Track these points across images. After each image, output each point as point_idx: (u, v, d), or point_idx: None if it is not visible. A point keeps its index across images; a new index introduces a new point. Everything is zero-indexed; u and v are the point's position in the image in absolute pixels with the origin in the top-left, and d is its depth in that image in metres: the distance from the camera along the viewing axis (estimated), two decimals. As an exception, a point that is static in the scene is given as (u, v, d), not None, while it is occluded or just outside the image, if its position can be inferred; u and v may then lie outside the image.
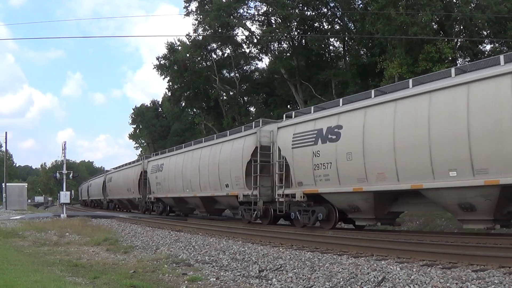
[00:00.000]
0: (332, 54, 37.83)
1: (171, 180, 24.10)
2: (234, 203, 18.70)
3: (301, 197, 14.24)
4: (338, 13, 35.12)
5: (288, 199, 15.00)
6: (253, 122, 18.19)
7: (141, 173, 29.12)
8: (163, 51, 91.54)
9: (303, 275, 6.96)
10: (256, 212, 16.37)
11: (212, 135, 22.80)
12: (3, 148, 56.66)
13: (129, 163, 35.91)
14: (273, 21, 36.96)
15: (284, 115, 16.78)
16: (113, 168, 41.27)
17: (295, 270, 7.38)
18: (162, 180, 25.34)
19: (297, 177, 14.56)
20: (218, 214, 23.49)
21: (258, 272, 7.58)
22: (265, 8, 36.48)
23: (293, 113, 16.37)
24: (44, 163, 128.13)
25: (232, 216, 22.83)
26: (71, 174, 26.85)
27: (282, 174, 15.35)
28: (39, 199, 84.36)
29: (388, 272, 6.62)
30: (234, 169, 17.72)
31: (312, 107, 15.50)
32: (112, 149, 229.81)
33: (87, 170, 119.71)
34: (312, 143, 13.84)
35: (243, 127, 19.43)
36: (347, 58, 35.54)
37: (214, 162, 19.38)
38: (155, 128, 65.68)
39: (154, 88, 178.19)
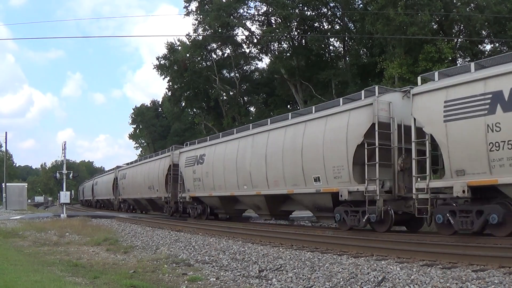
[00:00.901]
0: (332, 54, 37.84)
1: (219, 175, 19.23)
2: (323, 203, 14.15)
3: (463, 191, 9.85)
4: (338, 13, 35.15)
5: (434, 195, 10.85)
6: (362, 91, 13.26)
7: (169, 166, 24.28)
8: (163, 51, 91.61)
9: (303, 275, 6.96)
10: (371, 215, 11.88)
11: (286, 114, 17.23)
12: (3, 148, 56.74)
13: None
14: (273, 21, 36.98)
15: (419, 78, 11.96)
16: (126, 164, 37.40)
17: (295, 270, 7.38)
18: (204, 175, 20.37)
19: (454, 163, 10.24)
20: (286, 215, 19.05)
21: (258, 272, 7.58)
22: (265, 8, 36.56)
23: (436, 73, 11.32)
24: (44, 163, 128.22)
25: (312, 221, 19.39)
26: (71, 174, 26.89)
27: (422, 160, 11.03)
28: (39, 199, 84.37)
29: (388, 272, 6.62)
30: (332, 156, 13.20)
31: (473, 64, 10.61)
32: (112, 149, 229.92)
33: (87, 170, 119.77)
34: (485, 112, 9.66)
35: (341, 99, 14.29)
36: (347, 58, 35.54)
37: (293, 149, 14.82)
38: (155, 128, 65.74)
39: (154, 88, 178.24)
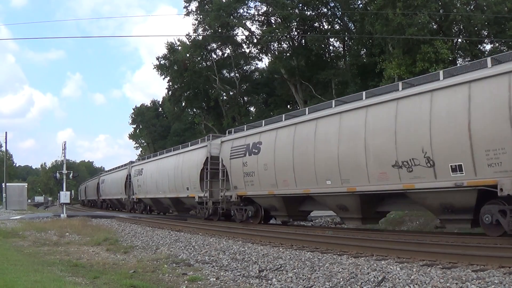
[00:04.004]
0: (332, 54, 37.83)
1: (284, 167, 18.71)
2: (462, 201, 10.63)
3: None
4: (338, 13, 35.14)
5: None
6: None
7: (206, 159, 26.62)
8: (163, 51, 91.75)
9: (303, 275, 6.96)
10: None
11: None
12: (3, 148, 56.56)
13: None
14: (273, 21, 36.98)
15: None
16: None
17: (295, 270, 7.38)
18: (260, 169, 19.13)
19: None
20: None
21: (258, 272, 7.58)
22: (265, 8, 36.55)
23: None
24: (44, 163, 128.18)
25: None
26: (71, 174, 26.86)
27: None
28: (39, 199, 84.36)
29: (388, 272, 6.62)
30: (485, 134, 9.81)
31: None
32: (112, 149, 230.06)
33: (87, 170, 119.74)
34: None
35: None
36: (347, 58, 35.54)
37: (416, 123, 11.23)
38: (155, 128, 65.65)
39: (154, 88, 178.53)
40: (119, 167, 37.89)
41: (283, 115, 16.20)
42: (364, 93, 12.92)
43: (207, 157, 19.77)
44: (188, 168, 21.95)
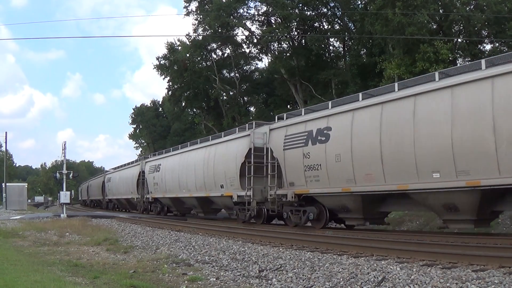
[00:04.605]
0: (332, 54, 37.84)
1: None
2: None
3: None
4: (338, 13, 35.15)
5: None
6: None
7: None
8: (162, 51, 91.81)
9: (303, 275, 6.96)
10: None
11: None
12: (3, 148, 56.66)
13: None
14: (273, 21, 36.99)
15: None
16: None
17: (295, 270, 7.38)
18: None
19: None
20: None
21: (258, 272, 7.58)
22: (265, 8, 36.57)
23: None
24: (44, 163, 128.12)
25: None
26: (71, 174, 26.87)
27: None
28: (39, 199, 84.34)
29: (388, 272, 6.62)
30: None
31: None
32: (112, 149, 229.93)
33: (87, 170, 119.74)
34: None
35: None
36: (347, 58, 35.55)
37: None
38: (155, 128, 65.69)
39: (153, 88, 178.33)
40: (129, 163, 34.80)
41: (360, 94, 12.84)
42: (483, 61, 10.12)
43: (250, 149, 16.34)
44: (223, 162, 18.36)
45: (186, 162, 21.98)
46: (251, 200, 16.23)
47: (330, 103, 13.79)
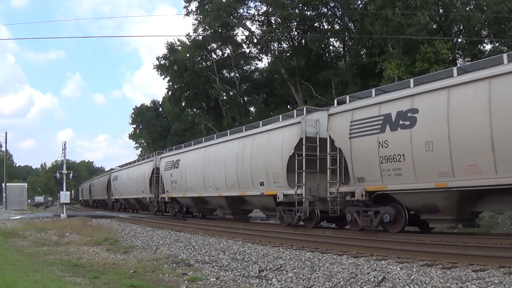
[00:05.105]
0: (332, 54, 37.86)
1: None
2: None
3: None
4: (338, 13, 35.17)
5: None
6: None
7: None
8: (162, 52, 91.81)
9: (303, 275, 6.96)
10: None
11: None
12: (3, 148, 56.62)
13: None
14: (273, 21, 37.00)
15: None
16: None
17: (295, 270, 7.38)
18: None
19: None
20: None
21: (258, 272, 7.58)
22: (265, 8, 36.58)
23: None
24: (44, 163, 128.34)
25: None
26: (71, 174, 26.89)
27: None
28: (39, 199, 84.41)
29: (388, 272, 6.62)
30: None
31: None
32: (112, 149, 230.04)
33: (87, 170, 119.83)
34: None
35: None
36: (347, 58, 35.56)
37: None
38: (155, 128, 65.75)
39: (154, 88, 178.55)
40: (139, 159, 32.68)
41: (454, 69, 10.70)
42: None
43: (301, 138, 13.80)
44: (264, 155, 15.65)
45: (213, 156, 19.06)
46: (303, 199, 13.66)
47: (412, 80, 11.43)
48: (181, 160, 22.38)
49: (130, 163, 34.54)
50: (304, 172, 13.55)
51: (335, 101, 13.61)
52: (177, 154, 23.22)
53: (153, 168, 26.06)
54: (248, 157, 16.47)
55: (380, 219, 11.41)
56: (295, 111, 15.25)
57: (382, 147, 11.30)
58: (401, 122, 10.92)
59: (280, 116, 16.10)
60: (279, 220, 15.53)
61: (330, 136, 12.98)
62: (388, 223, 11.37)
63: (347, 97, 13.10)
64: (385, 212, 11.27)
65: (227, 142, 18.52)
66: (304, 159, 13.54)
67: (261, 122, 17.31)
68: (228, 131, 19.87)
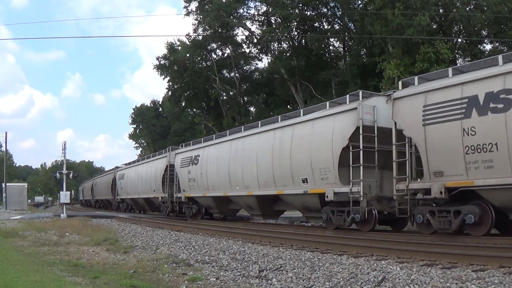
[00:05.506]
0: (332, 54, 37.88)
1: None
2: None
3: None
4: (338, 13, 35.19)
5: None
6: None
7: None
8: (162, 52, 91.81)
9: (303, 275, 6.96)
10: None
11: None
12: (3, 148, 56.63)
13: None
14: (273, 21, 37.01)
15: None
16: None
17: (295, 270, 7.38)
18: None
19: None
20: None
21: (258, 272, 7.58)
22: (265, 8, 36.61)
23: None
24: (44, 163, 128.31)
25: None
26: (71, 174, 26.87)
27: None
28: (39, 199, 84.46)
29: (388, 272, 6.62)
30: None
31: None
32: (112, 149, 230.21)
33: (87, 170, 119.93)
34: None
35: None
36: (347, 58, 35.57)
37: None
38: (155, 128, 65.80)
39: (154, 88, 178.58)
40: (149, 156, 30.45)
41: None
42: None
43: (357, 127, 12.05)
44: (308, 147, 13.63)
45: (241, 150, 16.96)
46: (360, 198, 11.87)
47: (500, 57, 9.74)
48: (201, 155, 19.96)
49: (138, 160, 32.72)
50: (362, 167, 11.82)
51: (399, 84, 11.83)
52: (196, 149, 20.77)
53: (167, 165, 23.87)
54: (287, 150, 14.39)
55: (461, 220, 9.72)
56: (347, 96, 13.05)
57: (468, 135, 9.55)
58: (492, 105, 9.21)
59: (327, 102, 14.01)
60: (326, 223, 13.43)
61: (396, 124, 11.24)
62: (472, 224, 9.58)
63: (415, 78, 11.36)
64: (468, 212, 9.56)
65: (260, 134, 16.28)
66: (361, 151, 11.81)
67: (301, 110, 15.35)
68: (260, 122, 17.53)
